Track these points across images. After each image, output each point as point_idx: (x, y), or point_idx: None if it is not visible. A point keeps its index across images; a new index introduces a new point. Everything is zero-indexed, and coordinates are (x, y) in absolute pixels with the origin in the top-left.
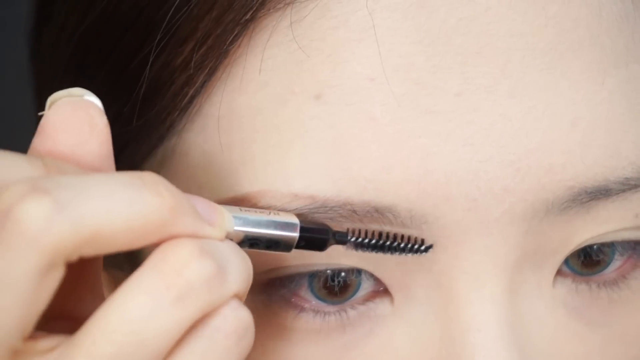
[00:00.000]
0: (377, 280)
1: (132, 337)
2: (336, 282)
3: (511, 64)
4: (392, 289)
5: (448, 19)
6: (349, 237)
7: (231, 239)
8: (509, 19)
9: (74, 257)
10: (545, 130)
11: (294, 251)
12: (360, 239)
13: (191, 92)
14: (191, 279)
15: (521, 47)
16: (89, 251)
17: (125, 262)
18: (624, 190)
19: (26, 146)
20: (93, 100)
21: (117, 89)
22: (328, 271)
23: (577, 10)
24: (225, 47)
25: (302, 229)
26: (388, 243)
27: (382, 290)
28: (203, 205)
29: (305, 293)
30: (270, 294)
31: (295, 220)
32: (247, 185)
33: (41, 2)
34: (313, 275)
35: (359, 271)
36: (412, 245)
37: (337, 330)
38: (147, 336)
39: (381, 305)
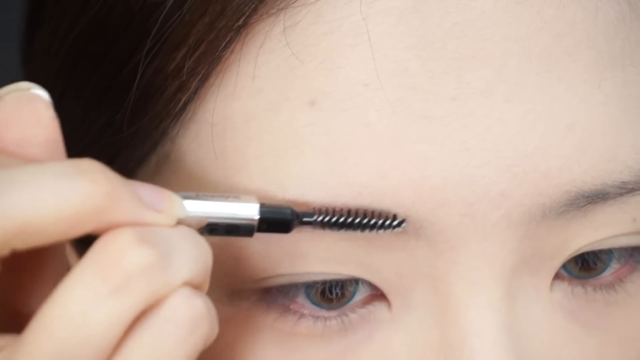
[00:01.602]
0: (373, 285)
1: (73, 332)
2: (334, 295)
3: (507, 68)
4: (389, 295)
5: (443, 23)
6: (315, 217)
7: (189, 226)
8: (504, 23)
9: (4, 251)
10: (542, 135)
11: (285, 257)
12: (327, 218)
13: (184, 98)
14: (129, 269)
15: (517, 51)
16: (20, 244)
17: None
18: (621, 194)
19: None
20: (39, 93)
21: (109, 95)
22: (325, 283)
23: (572, 14)
24: (218, 53)
25: (263, 212)
26: (358, 220)
27: (379, 295)
28: (148, 191)
29: (303, 301)
30: (268, 301)
31: (255, 203)
32: (242, 192)
33: (33, 8)
34: (309, 287)
35: (356, 281)
36: (384, 222)
37: (339, 334)
38: (89, 330)
39: (379, 310)
